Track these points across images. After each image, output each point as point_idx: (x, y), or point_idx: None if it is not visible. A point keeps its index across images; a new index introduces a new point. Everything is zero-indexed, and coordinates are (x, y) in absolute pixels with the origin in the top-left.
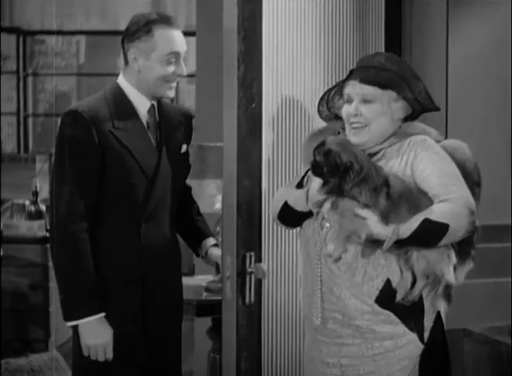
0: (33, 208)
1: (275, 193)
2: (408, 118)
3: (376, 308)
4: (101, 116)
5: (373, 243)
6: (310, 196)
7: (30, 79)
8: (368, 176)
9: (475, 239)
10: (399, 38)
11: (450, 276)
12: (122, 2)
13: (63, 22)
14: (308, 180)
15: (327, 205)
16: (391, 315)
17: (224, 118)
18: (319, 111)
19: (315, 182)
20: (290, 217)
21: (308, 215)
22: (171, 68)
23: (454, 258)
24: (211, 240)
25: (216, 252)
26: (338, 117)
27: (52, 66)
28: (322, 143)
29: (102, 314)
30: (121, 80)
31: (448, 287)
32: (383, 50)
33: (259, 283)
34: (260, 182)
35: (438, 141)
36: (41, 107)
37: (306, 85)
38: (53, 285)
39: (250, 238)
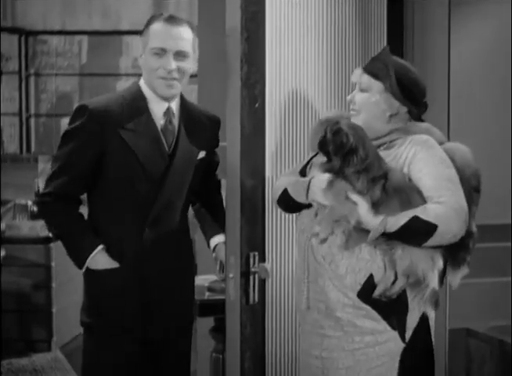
0: (35, 208)
1: (277, 177)
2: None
3: (358, 302)
4: (112, 115)
5: (358, 234)
6: (312, 191)
7: (32, 79)
8: (371, 166)
9: (471, 245)
10: (401, 38)
11: (433, 280)
12: (124, 2)
13: (66, 22)
14: (311, 167)
15: (323, 185)
16: (373, 311)
17: (227, 118)
18: None
19: (319, 182)
20: (289, 205)
21: (306, 204)
22: (158, 62)
23: (440, 263)
24: (223, 237)
25: (223, 250)
26: None
27: (54, 66)
28: (337, 123)
29: (101, 246)
30: (141, 81)
31: (435, 293)
32: None
33: (263, 282)
34: (263, 182)
35: (441, 143)
36: (43, 107)
37: (309, 85)
38: (56, 285)
39: (253, 238)
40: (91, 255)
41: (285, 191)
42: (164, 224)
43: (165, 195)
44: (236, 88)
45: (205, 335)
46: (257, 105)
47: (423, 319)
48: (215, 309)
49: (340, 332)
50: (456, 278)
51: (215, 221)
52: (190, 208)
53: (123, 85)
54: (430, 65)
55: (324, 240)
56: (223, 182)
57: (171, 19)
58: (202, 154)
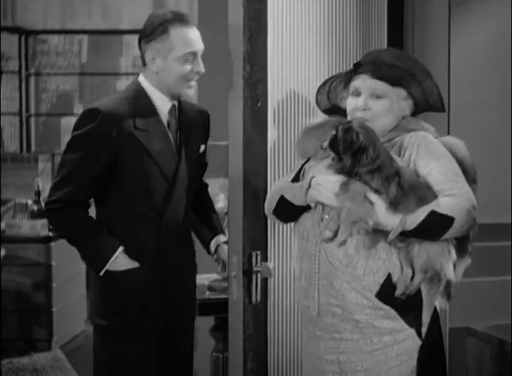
0: (35, 208)
1: (279, 177)
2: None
3: (377, 303)
4: (122, 116)
5: (375, 234)
6: (314, 190)
7: (32, 79)
8: (383, 165)
9: (472, 235)
10: (401, 38)
11: (450, 272)
12: (124, 1)
13: (66, 21)
14: (304, 174)
15: (335, 187)
16: (392, 310)
17: (229, 117)
18: (317, 101)
19: (329, 183)
20: (287, 212)
21: (306, 208)
22: (189, 67)
23: (454, 255)
24: (222, 238)
25: (225, 250)
26: (335, 109)
27: (54, 65)
28: (348, 122)
29: (122, 247)
30: (142, 80)
31: (448, 284)
32: None
33: (265, 282)
34: (266, 181)
35: (435, 137)
36: (43, 107)
37: (311, 84)
38: (56, 285)
39: (256, 237)
40: (113, 258)
41: (281, 198)
42: (175, 220)
43: (178, 191)
44: (238, 87)
45: (205, 334)
46: (259, 104)
47: (436, 313)
48: (215, 308)
49: (359, 334)
50: (460, 269)
51: (209, 224)
52: None
53: (123, 85)
54: (430, 64)
55: (344, 242)
56: (224, 182)
57: (185, 20)
58: (203, 148)
